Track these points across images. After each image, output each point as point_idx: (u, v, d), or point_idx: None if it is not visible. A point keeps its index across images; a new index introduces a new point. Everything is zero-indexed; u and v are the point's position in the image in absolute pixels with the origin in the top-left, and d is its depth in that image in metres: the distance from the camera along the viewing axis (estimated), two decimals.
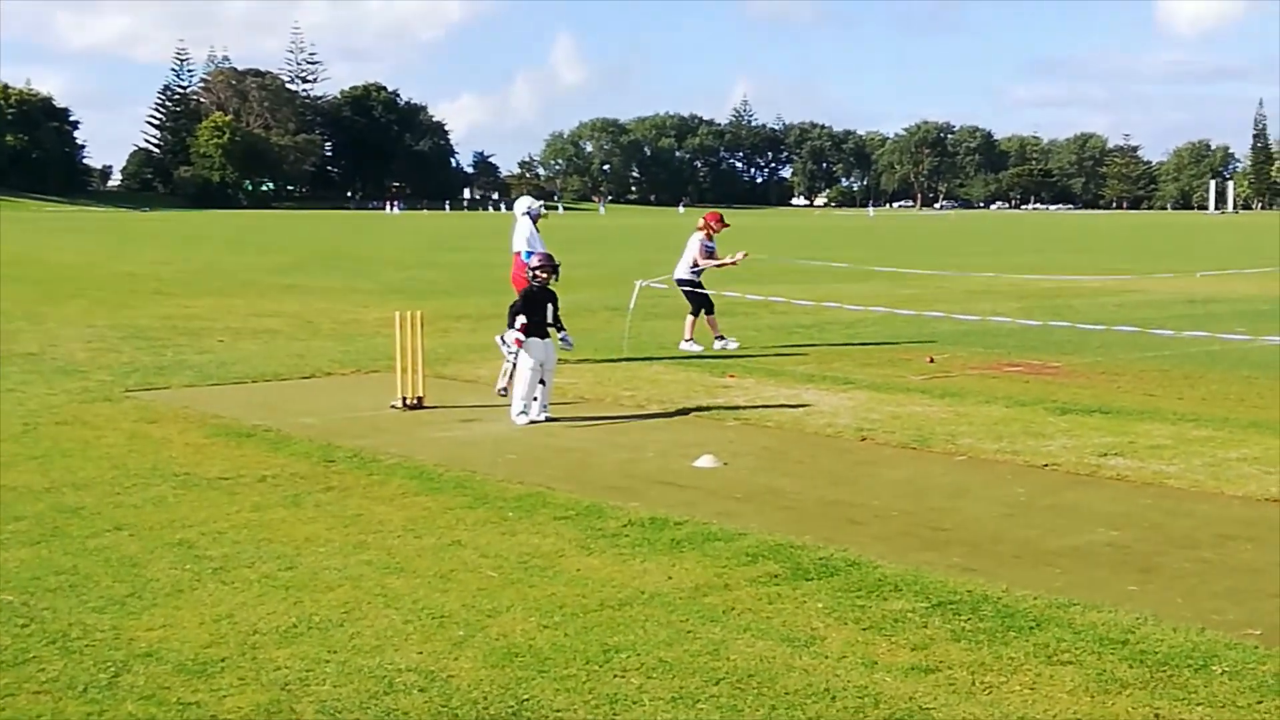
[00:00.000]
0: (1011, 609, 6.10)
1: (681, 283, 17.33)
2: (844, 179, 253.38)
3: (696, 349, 16.52)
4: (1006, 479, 9.14)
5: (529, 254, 15.13)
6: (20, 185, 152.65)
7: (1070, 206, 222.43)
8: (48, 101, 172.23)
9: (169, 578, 6.64)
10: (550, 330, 11.59)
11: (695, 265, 17.24)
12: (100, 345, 16.95)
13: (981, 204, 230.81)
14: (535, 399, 11.38)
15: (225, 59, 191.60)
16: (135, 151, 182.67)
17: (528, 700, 5.02)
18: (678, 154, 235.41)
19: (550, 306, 11.55)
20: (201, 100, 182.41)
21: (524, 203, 15.70)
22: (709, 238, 17.40)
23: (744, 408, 12.20)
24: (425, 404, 12.07)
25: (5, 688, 5.17)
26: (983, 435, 10.67)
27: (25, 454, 9.82)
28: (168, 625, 5.91)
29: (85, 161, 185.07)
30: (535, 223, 15.17)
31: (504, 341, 12.26)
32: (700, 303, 17.03)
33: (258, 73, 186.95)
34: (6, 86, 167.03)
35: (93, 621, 5.96)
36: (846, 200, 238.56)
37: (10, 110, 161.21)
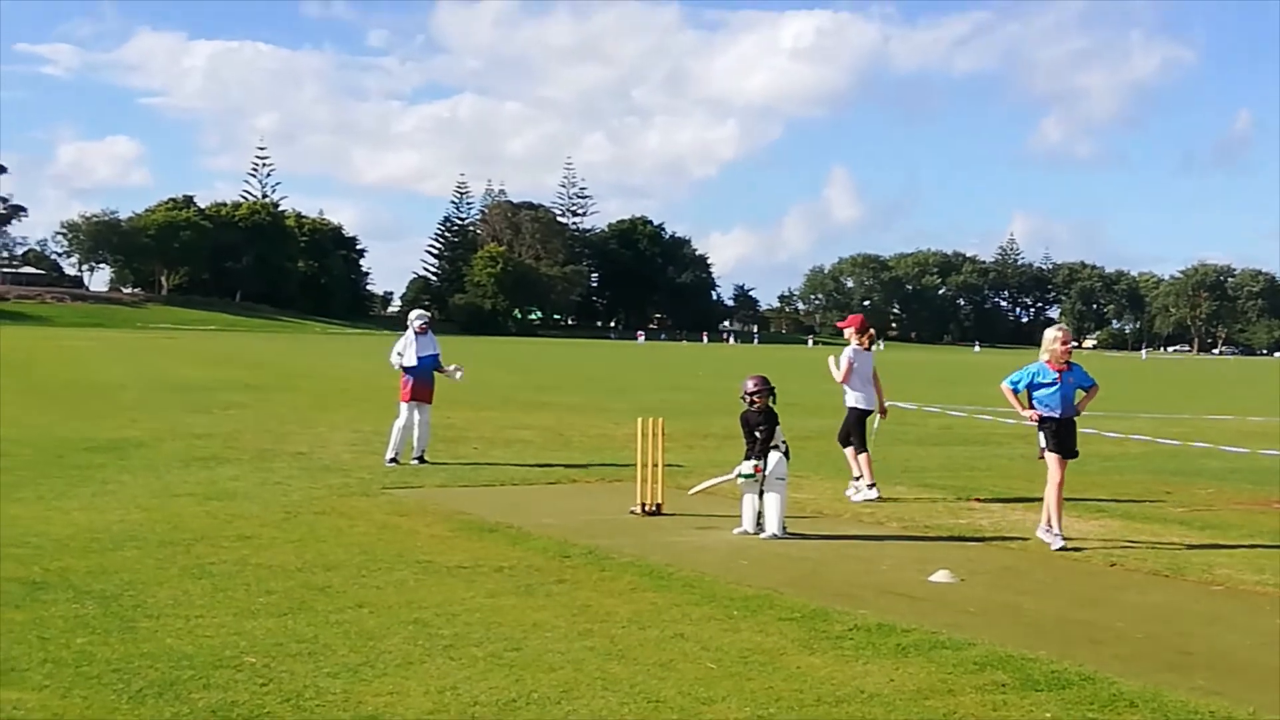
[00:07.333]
0: None
1: None
2: (1115, 321, 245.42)
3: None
4: (1265, 610, 8.59)
5: (405, 366, 16.40)
6: (307, 308, 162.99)
7: None
8: (337, 231, 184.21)
9: (401, 651, 6.88)
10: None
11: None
12: (364, 448, 17.76)
13: (1264, 351, 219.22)
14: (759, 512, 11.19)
15: (502, 192, 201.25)
16: (414, 279, 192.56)
17: None
18: (941, 291, 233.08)
19: (758, 431, 11.34)
20: (478, 231, 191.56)
21: (411, 315, 16.89)
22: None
23: (987, 529, 11.87)
24: (663, 511, 12.19)
25: None
26: (1243, 567, 10.07)
27: (283, 537, 10.37)
28: (395, 693, 6.11)
29: (369, 288, 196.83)
30: (419, 336, 16.39)
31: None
32: None
33: (531, 206, 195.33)
34: (300, 216, 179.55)
35: (326, 685, 6.21)
36: (1117, 342, 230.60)
37: (303, 239, 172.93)
